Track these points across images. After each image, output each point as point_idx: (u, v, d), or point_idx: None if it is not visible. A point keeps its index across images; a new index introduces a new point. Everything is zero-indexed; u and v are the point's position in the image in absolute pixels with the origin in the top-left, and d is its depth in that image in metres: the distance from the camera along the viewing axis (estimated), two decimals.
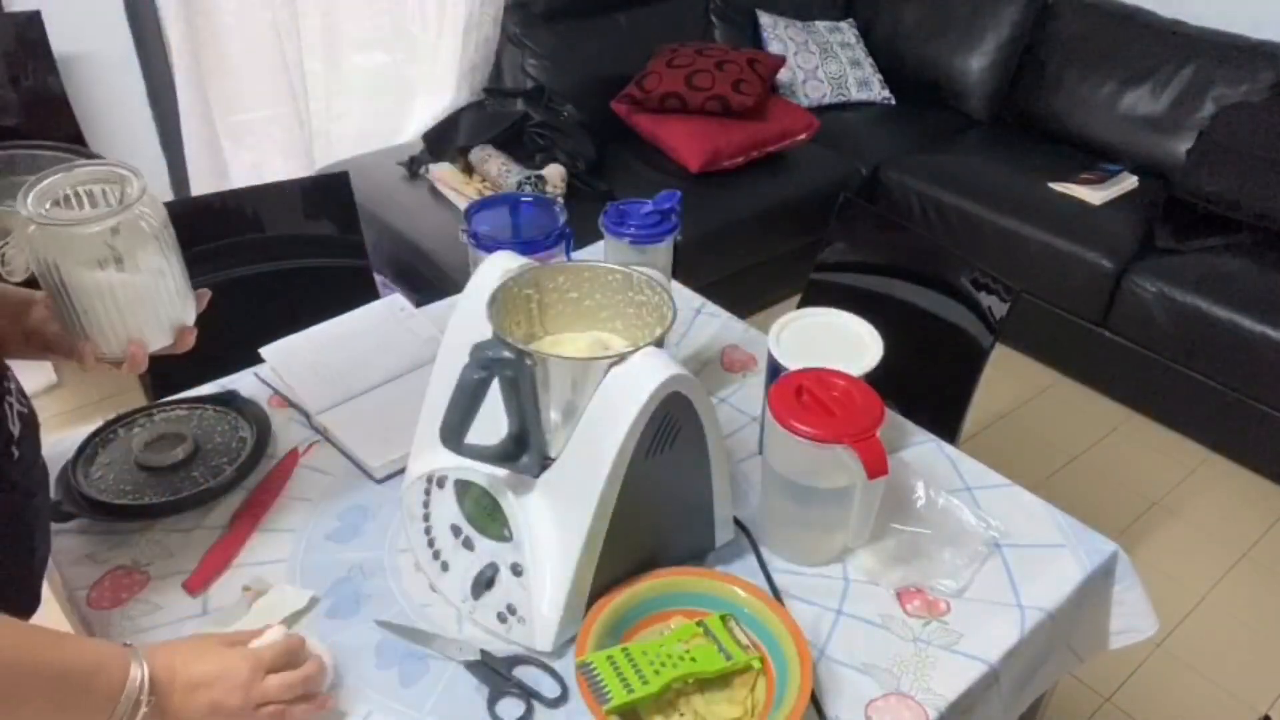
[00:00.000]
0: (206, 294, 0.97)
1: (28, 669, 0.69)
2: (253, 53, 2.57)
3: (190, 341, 0.94)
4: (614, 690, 0.86)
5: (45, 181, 0.83)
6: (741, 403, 1.34)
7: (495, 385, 0.92)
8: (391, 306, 1.41)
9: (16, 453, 0.83)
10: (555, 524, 0.95)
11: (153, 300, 0.86)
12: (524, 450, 0.96)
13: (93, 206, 0.85)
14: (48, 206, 0.83)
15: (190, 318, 0.93)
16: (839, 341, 1.18)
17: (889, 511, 1.11)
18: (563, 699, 0.92)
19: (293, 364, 1.29)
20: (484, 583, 0.97)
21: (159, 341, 0.90)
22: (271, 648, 0.85)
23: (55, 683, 0.70)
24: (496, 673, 0.94)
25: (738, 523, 1.10)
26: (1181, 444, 2.65)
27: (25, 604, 0.88)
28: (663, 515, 1.01)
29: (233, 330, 1.23)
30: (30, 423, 0.87)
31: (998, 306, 1.55)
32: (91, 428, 1.17)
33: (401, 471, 1.11)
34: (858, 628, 1.02)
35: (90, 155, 2.23)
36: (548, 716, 0.91)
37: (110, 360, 0.87)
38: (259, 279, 1.66)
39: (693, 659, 0.90)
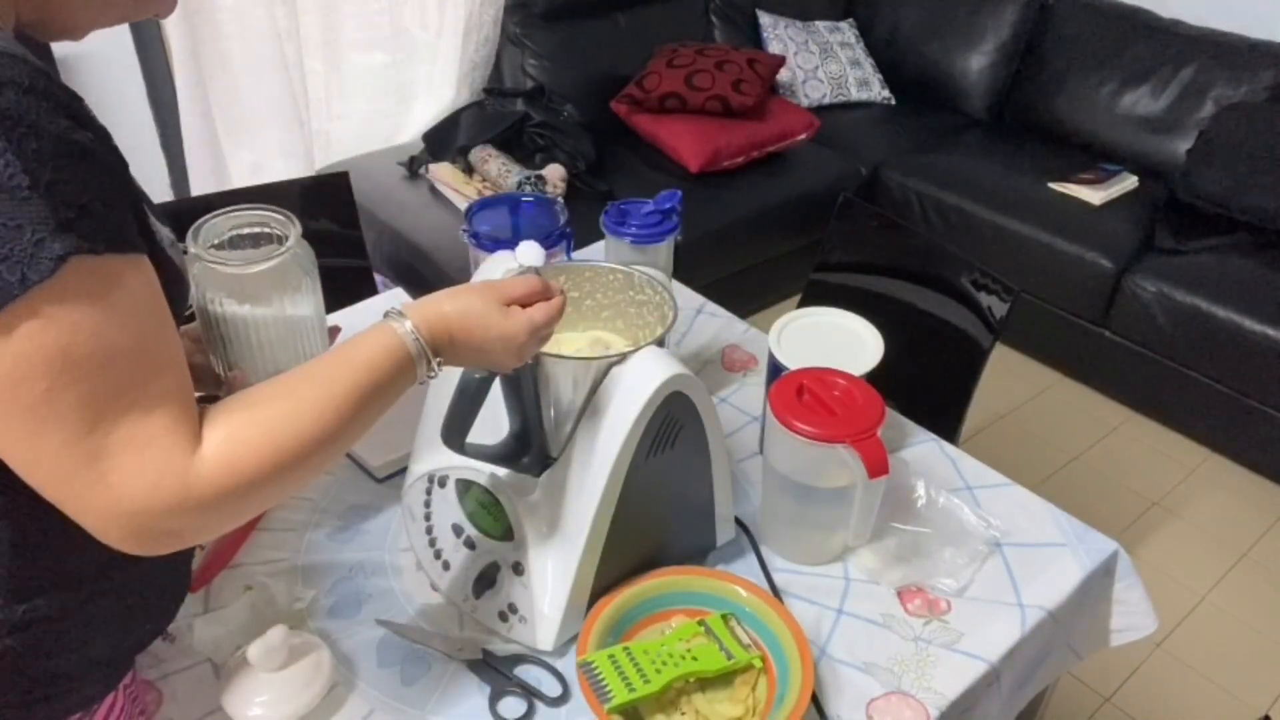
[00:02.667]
0: (339, 329, 1.02)
1: (352, 389, 0.71)
2: (253, 52, 2.57)
3: None
4: (615, 689, 0.86)
5: (209, 223, 0.90)
6: (742, 402, 1.34)
7: (496, 385, 0.92)
8: (392, 301, 1.41)
9: None
10: (556, 523, 0.95)
11: (299, 335, 0.92)
12: (525, 450, 0.96)
13: (252, 247, 0.91)
14: (209, 247, 0.88)
15: (324, 349, 0.97)
16: (839, 341, 1.18)
17: (889, 511, 1.11)
18: (564, 698, 0.92)
19: None
20: (485, 582, 0.97)
21: None
22: (548, 310, 0.83)
23: (369, 399, 0.72)
24: (498, 672, 0.94)
25: (738, 522, 1.11)
26: (1181, 444, 2.65)
27: (184, 588, 0.88)
28: (664, 514, 1.01)
29: None
30: None
31: (998, 306, 1.55)
32: None
33: (402, 471, 1.11)
34: (859, 627, 1.02)
35: None
36: (549, 715, 0.91)
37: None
38: None
39: (694, 658, 0.90)
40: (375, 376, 0.72)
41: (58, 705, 0.75)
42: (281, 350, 0.90)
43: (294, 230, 0.91)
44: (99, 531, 0.62)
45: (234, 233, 0.92)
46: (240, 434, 0.65)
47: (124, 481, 0.61)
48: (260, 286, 0.87)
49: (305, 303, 0.92)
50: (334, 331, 1.02)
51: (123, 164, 0.65)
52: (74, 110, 0.61)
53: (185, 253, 0.85)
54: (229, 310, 0.87)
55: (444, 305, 0.78)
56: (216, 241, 0.90)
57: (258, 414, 0.67)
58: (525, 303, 0.82)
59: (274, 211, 0.92)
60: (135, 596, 0.78)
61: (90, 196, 0.59)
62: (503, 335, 0.80)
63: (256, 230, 0.92)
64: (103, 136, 0.63)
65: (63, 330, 0.58)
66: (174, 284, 0.71)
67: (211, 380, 0.93)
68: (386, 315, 0.76)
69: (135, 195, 0.67)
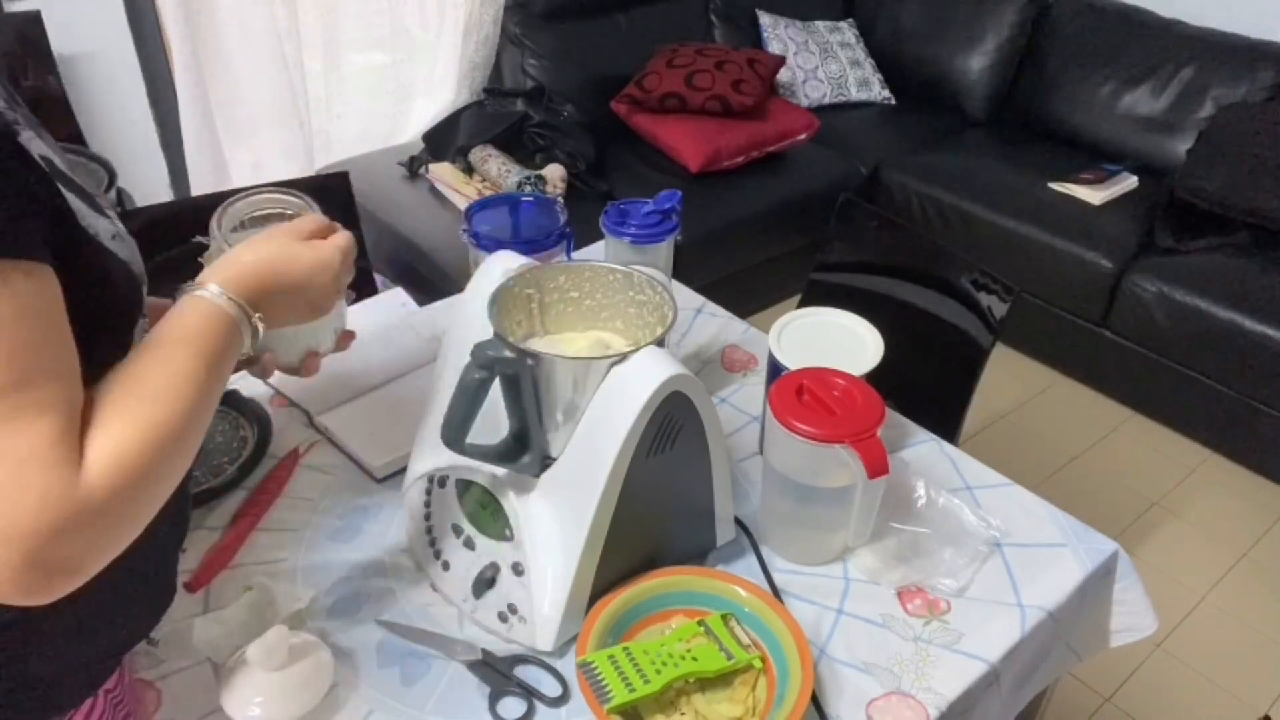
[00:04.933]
0: (351, 294, 1.01)
1: (180, 356, 0.69)
2: (253, 52, 2.57)
3: (350, 342, 0.97)
4: (615, 689, 0.86)
5: (232, 207, 0.89)
6: (742, 402, 1.34)
7: (496, 385, 0.92)
8: (393, 301, 1.42)
9: None
10: (556, 523, 0.95)
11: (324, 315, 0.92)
12: (525, 450, 0.96)
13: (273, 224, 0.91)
14: (233, 230, 0.88)
15: (346, 322, 0.97)
16: (839, 341, 1.18)
17: (889, 511, 1.11)
18: (564, 698, 0.92)
19: None
20: (485, 582, 0.97)
21: (328, 347, 0.95)
22: (342, 234, 0.84)
23: (205, 371, 0.70)
24: (498, 672, 0.94)
25: (738, 522, 1.10)
26: (1181, 444, 2.65)
27: (167, 593, 0.87)
28: (664, 514, 1.01)
29: None
30: None
31: (998, 306, 1.55)
32: None
33: (402, 471, 1.11)
34: (858, 627, 1.02)
35: (90, 155, 2.24)
36: (549, 716, 0.91)
37: (287, 369, 0.91)
38: None
39: (694, 658, 0.90)
40: (207, 345, 0.70)
41: (33, 709, 0.73)
42: (308, 328, 0.90)
43: (316, 206, 0.91)
44: None
45: (252, 215, 0.92)
46: (117, 425, 0.63)
47: (6, 503, 0.56)
48: None
49: None
50: (348, 296, 1.01)
51: (25, 165, 0.61)
52: None
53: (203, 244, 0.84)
54: None
55: (243, 257, 0.77)
56: (236, 225, 0.90)
57: (119, 408, 0.64)
58: (322, 236, 0.83)
59: (294, 195, 0.92)
60: (114, 600, 0.76)
61: None
62: (315, 262, 0.80)
63: (272, 212, 0.92)
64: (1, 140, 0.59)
65: None
66: (116, 278, 0.68)
67: (245, 361, 0.92)
68: (181, 289, 0.74)
69: (46, 196, 0.63)
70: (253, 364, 0.88)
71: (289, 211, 0.92)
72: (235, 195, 0.91)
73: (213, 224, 0.87)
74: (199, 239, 0.86)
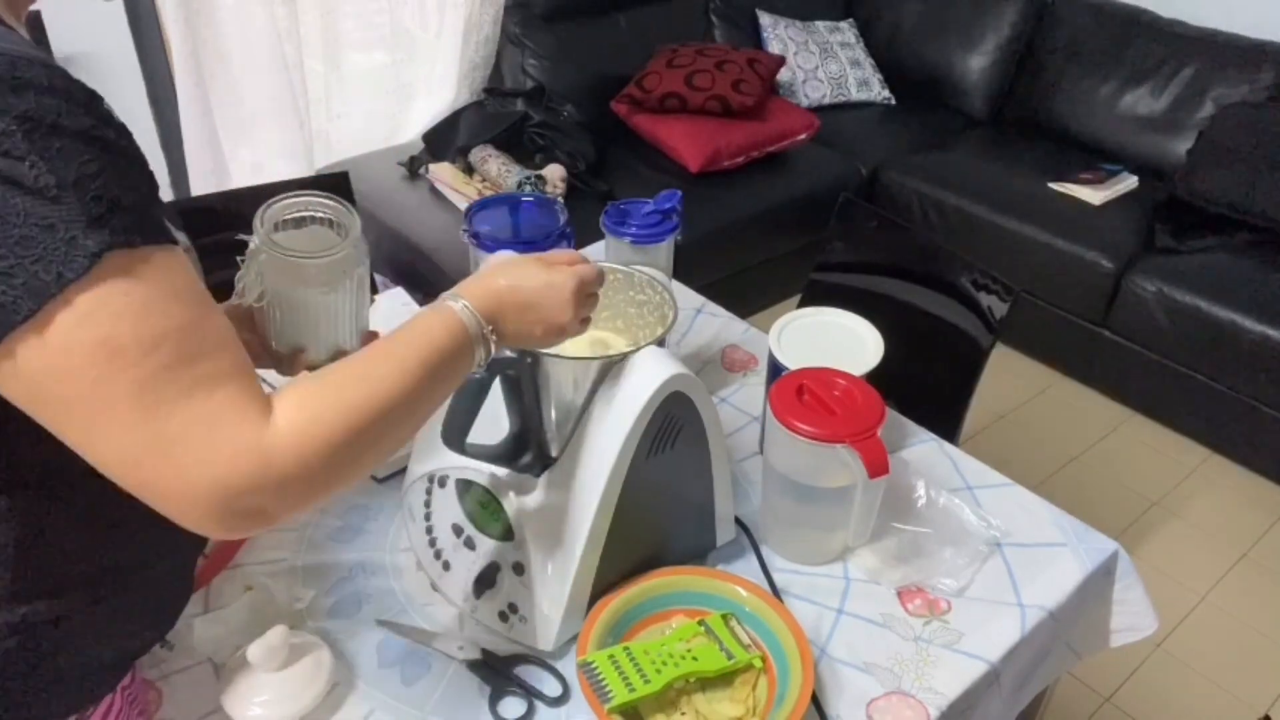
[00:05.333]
0: (373, 298, 1.01)
1: (415, 369, 0.71)
2: (253, 53, 2.57)
3: (371, 342, 0.97)
4: (616, 689, 0.86)
5: (272, 208, 0.90)
6: (742, 402, 1.34)
7: (497, 385, 0.92)
8: (393, 301, 1.42)
9: None
10: (557, 523, 0.95)
11: (353, 313, 0.93)
12: (525, 450, 0.96)
13: (295, 229, 0.92)
14: (274, 230, 0.90)
15: (369, 323, 0.98)
16: (839, 341, 1.18)
17: (889, 511, 1.11)
18: (564, 698, 0.92)
19: None
20: (485, 582, 0.97)
21: (354, 346, 0.96)
22: (590, 270, 0.86)
23: (431, 379, 0.73)
24: (498, 672, 0.94)
25: (739, 522, 1.10)
26: (1181, 444, 2.65)
27: (187, 592, 0.88)
28: (664, 514, 1.01)
29: None
30: None
31: (998, 306, 1.55)
32: None
33: (403, 471, 1.11)
34: (859, 627, 1.02)
35: None
36: (549, 715, 0.91)
37: (314, 366, 0.92)
38: None
39: (694, 658, 0.90)
40: (436, 345, 0.73)
41: (55, 705, 0.74)
42: (339, 328, 0.92)
43: (354, 221, 0.92)
44: (181, 515, 0.62)
45: (291, 216, 0.93)
46: (311, 400, 0.65)
47: (197, 461, 0.60)
48: (324, 274, 0.89)
49: (357, 283, 0.94)
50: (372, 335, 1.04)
51: (145, 159, 0.65)
52: (94, 107, 0.61)
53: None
54: (295, 296, 0.89)
55: (496, 279, 0.80)
56: (276, 224, 0.92)
57: (327, 382, 0.67)
58: (568, 264, 0.85)
59: (333, 199, 0.94)
60: (139, 601, 0.78)
61: (120, 191, 0.59)
62: (549, 283, 0.81)
63: (309, 215, 0.94)
64: (124, 132, 0.63)
65: (102, 322, 0.58)
66: None
67: (265, 358, 0.94)
68: (441, 297, 0.78)
69: (157, 190, 0.67)
70: (282, 362, 0.89)
71: (324, 215, 0.93)
72: (277, 196, 0.92)
73: (255, 222, 0.89)
74: (242, 236, 0.88)
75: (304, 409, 0.64)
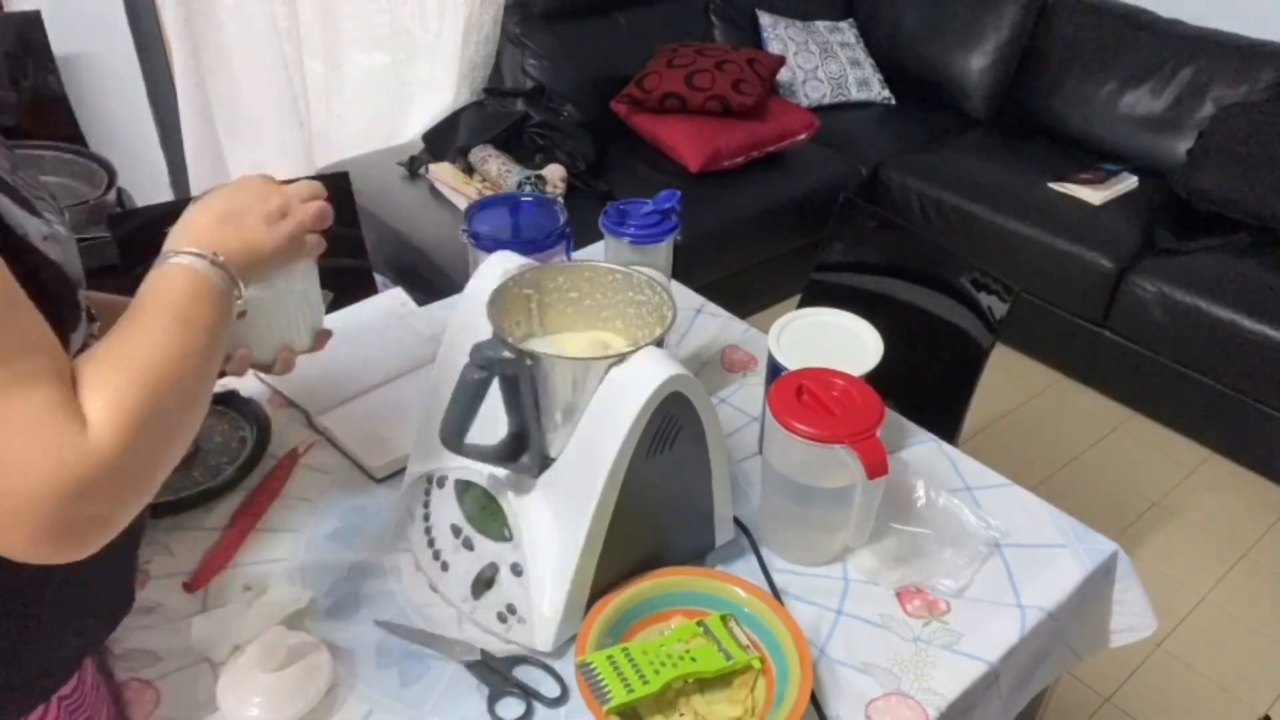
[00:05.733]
0: (329, 295, 1.00)
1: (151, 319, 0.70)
2: (252, 53, 2.57)
3: (326, 342, 0.97)
4: (614, 690, 0.86)
5: None
6: (741, 403, 1.34)
7: (495, 385, 0.92)
8: (393, 300, 1.42)
9: None
10: (555, 524, 0.95)
11: (300, 310, 0.92)
12: (524, 450, 0.96)
13: None
14: None
15: (323, 322, 0.97)
16: (839, 341, 1.18)
17: (889, 511, 1.11)
18: (563, 699, 0.92)
19: None
20: (484, 583, 0.97)
21: (304, 345, 0.94)
22: (296, 187, 0.85)
23: (183, 332, 0.70)
24: (496, 673, 0.94)
25: (738, 522, 1.10)
26: (1181, 444, 2.65)
27: (125, 602, 0.87)
28: (663, 515, 1.01)
29: None
30: None
31: (998, 306, 1.55)
32: None
33: (401, 471, 1.11)
34: (858, 627, 1.02)
35: (90, 155, 2.24)
36: (548, 716, 0.91)
37: (262, 366, 0.92)
38: None
39: (693, 659, 0.90)
40: (171, 295, 0.71)
41: None
42: (284, 327, 0.91)
43: None
44: (14, 545, 0.58)
45: None
46: (105, 382, 0.63)
47: (22, 470, 0.57)
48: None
49: (302, 277, 0.91)
50: (325, 295, 1.00)
51: None
52: None
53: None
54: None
55: (195, 211, 0.79)
56: None
57: (106, 361, 0.65)
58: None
59: None
60: (69, 611, 0.76)
61: None
62: (251, 191, 0.81)
63: None
64: None
65: None
66: (44, 277, 0.68)
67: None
68: (163, 254, 0.76)
69: None
70: (228, 359, 0.87)
71: None
72: (210, 190, 0.90)
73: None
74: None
75: (103, 391, 0.62)
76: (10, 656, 0.73)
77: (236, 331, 0.87)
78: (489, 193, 2.49)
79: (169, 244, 0.76)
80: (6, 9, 2.30)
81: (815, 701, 0.92)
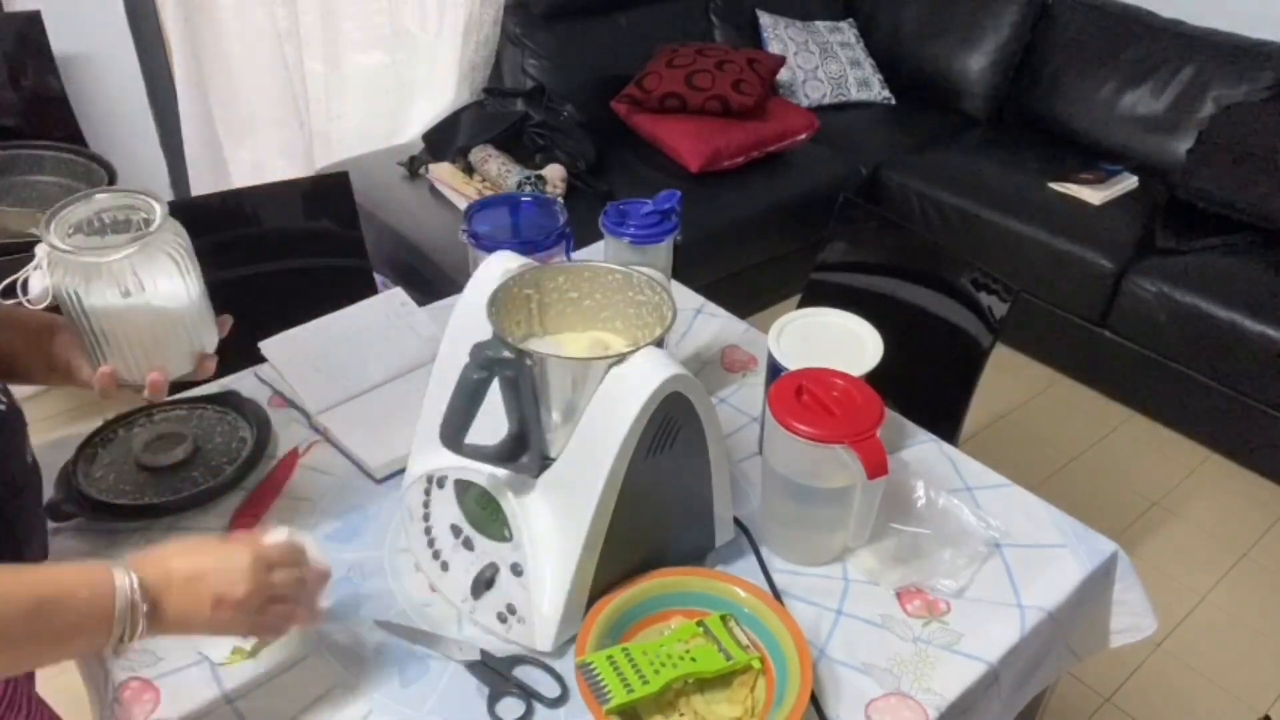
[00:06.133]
0: (228, 320, 0.96)
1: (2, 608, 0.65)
2: (252, 53, 2.57)
3: (211, 369, 0.94)
4: (614, 690, 0.86)
5: (67, 209, 0.82)
6: (741, 403, 1.34)
7: (495, 385, 0.92)
8: (392, 300, 1.41)
9: None
10: (555, 524, 0.95)
11: (174, 328, 0.87)
12: (524, 450, 0.96)
13: (115, 233, 0.84)
14: (69, 234, 0.82)
15: (212, 345, 0.93)
16: (839, 341, 1.18)
17: (889, 511, 1.11)
18: (563, 699, 0.92)
19: (292, 360, 1.29)
20: (484, 583, 0.97)
21: (180, 368, 0.90)
22: (275, 545, 0.81)
23: (36, 614, 0.66)
24: (496, 673, 0.94)
25: (738, 523, 1.10)
26: (1181, 444, 2.65)
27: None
28: (663, 515, 1.01)
29: (232, 330, 1.23)
30: (9, 418, 0.86)
31: (998, 306, 1.55)
32: (91, 427, 1.17)
33: (401, 471, 1.11)
34: (858, 628, 1.02)
35: (90, 155, 2.24)
36: (548, 716, 0.91)
37: (132, 386, 0.87)
38: (259, 279, 1.66)
39: (693, 659, 0.90)
40: (63, 591, 0.67)
41: None
42: (153, 344, 0.85)
43: (159, 210, 0.83)
44: None
45: (97, 215, 0.85)
46: None
47: None
48: (118, 276, 0.80)
49: (177, 290, 0.86)
50: (223, 323, 0.96)
51: None
52: None
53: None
54: (90, 302, 0.81)
55: (170, 556, 0.75)
56: (74, 228, 0.83)
57: None
58: (285, 562, 0.80)
59: (139, 193, 0.85)
60: None
61: None
62: (225, 553, 0.76)
63: (125, 215, 0.85)
64: None
65: None
66: None
67: (91, 376, 0.87)
68: (118, 561, 0.72)
69: None
70: (94, 375, 0.84)
71: (140, 214, 0.85)
72: (74, 197, 0.84)
73: (41, 227, 0.80)
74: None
75: None
76: None
77: (103, 348, 0.83)
78: (489, 193, 2.49)
79: (140, 564, 0.72)
80: (6, 9, 2.30)
81: (815, 702, 0.92)
